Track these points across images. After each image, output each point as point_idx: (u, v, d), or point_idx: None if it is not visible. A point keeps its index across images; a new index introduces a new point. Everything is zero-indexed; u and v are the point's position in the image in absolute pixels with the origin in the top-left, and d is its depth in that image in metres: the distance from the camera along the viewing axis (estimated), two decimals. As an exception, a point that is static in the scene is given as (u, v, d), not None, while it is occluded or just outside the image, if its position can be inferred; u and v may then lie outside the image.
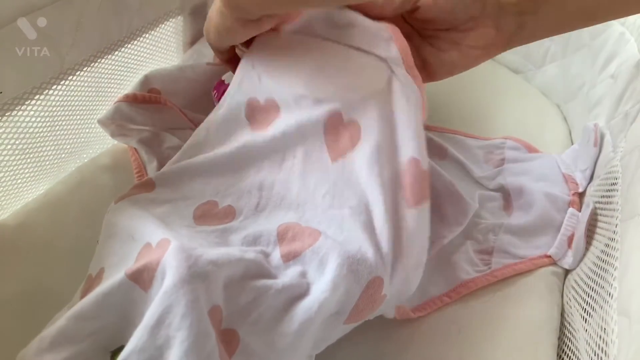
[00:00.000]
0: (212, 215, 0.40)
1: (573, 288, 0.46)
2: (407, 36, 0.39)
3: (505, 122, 0.65)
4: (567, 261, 0.48)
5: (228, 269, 0.33)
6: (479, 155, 0.59)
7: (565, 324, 0.46)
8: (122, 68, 0.50)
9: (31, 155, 0.45)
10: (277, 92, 0.42)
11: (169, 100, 0.51)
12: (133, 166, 0.49)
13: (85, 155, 0.52)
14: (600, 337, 0.37)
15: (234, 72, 0.46)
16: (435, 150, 0.58)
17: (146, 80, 0.50)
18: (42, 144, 0.46)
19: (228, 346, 0.32)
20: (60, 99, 0.44)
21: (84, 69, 0.45)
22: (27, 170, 0.46)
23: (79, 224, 0.46)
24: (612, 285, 0.38)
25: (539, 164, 0.57)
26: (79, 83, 0.45)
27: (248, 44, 0.45)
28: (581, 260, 0.47)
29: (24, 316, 0.39)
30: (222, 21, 0.39)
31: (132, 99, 0.49)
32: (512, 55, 0.74)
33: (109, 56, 0.47)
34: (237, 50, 0.47)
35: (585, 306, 0.42)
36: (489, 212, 0.52)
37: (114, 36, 0.46)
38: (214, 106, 0.46)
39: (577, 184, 0.53)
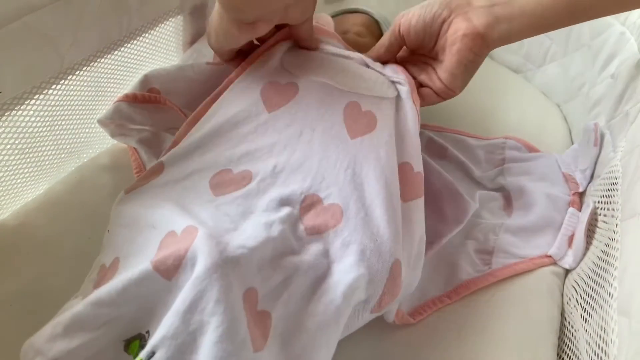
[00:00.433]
0: (227, 181, 0.39)
1: (573, 288, 0.46)
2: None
3: (505, 122, 0.65)
4: (567, 261, 0.48)
5: (258, 251, 0.33)
6: (479, 154, 0.59)
7: (566, 323, 0.45)
8: (122, 68, 0.50)
9: (31, 155, 0.45)
10: (300, 78, 0.44)
11: (169, 100, 0.51)
12: (133, 166, 0.49)
13: (85, 155, 0.52)
14: (600, 336, 0.37)
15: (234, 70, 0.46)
16: (435, 149, 0.58)
17: (146, 80, 0.50)
18: (41, 144, 0.46)
19: (263, 328, 0.32)
20: (59, 99, 0.44)
21: (84, 69, 0.45)
22: (26, 170, 0.46)
23: (79, 224, 0.46)
24: (612, 285, 0.38)
25: (539, 164, 0.57)
26: (78, 83, 0.45)
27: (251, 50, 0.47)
28: (581, 260, 0.47)
29: (24, 316, 0.39)
30: (220, 23, 0.40)
31: (132, 99, 0.49)
32: (512, 55, 0.74)
33: (109, 56, 0.47)
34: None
35: (585, 306, 0.42)
36: (489, 212, 0.52)
37: (113, 36, 0.46)
38: None
39: (577, 184, 0.53)
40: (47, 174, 0.48)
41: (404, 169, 0.42)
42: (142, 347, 0.30)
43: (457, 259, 0.48)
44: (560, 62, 0.68)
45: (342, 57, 0.47)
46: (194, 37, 0.58)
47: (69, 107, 0.46)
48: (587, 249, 0.47)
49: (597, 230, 0.46)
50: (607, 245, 0.42)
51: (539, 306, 0.45)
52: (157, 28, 0.52)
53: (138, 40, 0.50)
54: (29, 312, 0.39)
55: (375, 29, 0.64)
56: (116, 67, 0.49)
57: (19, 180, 0.45)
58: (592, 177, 0.53)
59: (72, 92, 0.45)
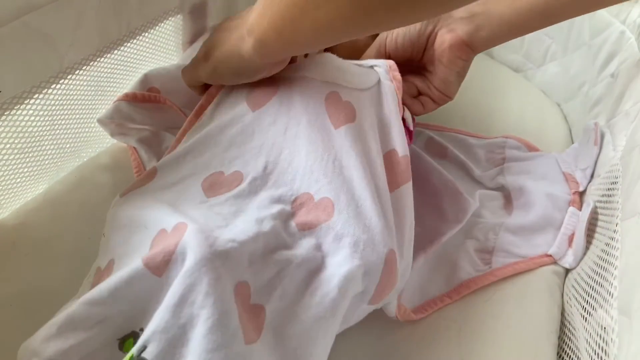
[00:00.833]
0: (220, 182, 0.39)
1: (573, 287, 0.46)
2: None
3: (505, 121, 0.65)
4: (568, 260, 0.48)
5: (249, 245, 0.33)
6: (479, 154, 0.59)
7: (566, 323, 0.45)
8: (122, 67, 0.50)
9: (30, 155, 0.45)
10: (279, 74, 0.44)
11: (169, 100, 0.51)
12: (132, 165, 0.49)
13: (84, 155, 0.52)
14: (600, 336, 0.37)
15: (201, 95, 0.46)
16: (435, 149, 0.58)
17: (145, 79, 0.50)
18: (41, 144, 0.45)
19: (256, 321, 0.32)
20: (59, 98, 0.44)
21: (84, 68, 0.45)
22: (26, 170, 0.45)
23: (79, 223, 0.46)
24: (612, 284, 0.38)
25: (539, 163, 0.57)
26: (78, 82, 0.45)
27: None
28: (581, 259, 0.47)
29: (24, 316, 0.39)
30: (248, 65, 0.40)
31: (132, 98, 0.49)
32: (512, 54, 0.74)
33: (108, 55, 0.47)
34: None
35: (585, 305, 0.42)
36: (489, 211, 0.52)
37: (113, 35, 0.46)
38: None
39: (577, 183, 0.53)
40: (46, 173, 0.48)
41: (389, 157, 0.42)
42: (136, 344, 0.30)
43: (457, 259, 0.48)
44: (560, 62, 0.68)
45: (320, 53, 0.47)
46: (194, 36, 0.57)
47: (69, 107, 0.46)
48: (587, 248, 0.47)
49: (598, 229, 0.46)
50: (608, 244, 0.42)
51: (539, 305, 0.45)
52: (157, 27, 0.52)
53: (137, 39, 0.50)
54: (29, 312, 0.39)
55: None
56: (116, 66, 0.49)
57: (18, 180, 0.45)
58: (592, 176, 0.53)
59: (72, 92, 0.45)
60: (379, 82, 0.45)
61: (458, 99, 0.49)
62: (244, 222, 0.35)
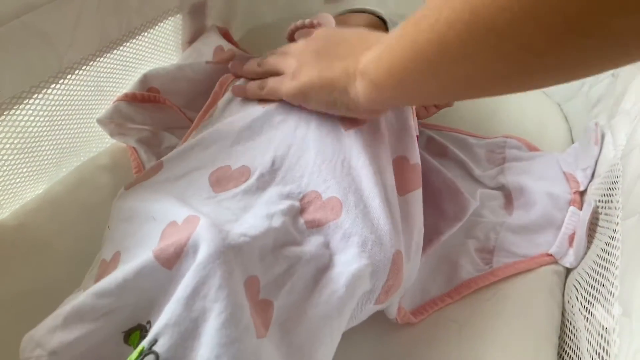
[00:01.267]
0: (227, 177, 0.39)
1: (574, 287, 0.46)
2: None
3: (505, 121, 0.65)
4: (568, 260, 0.48)
5: (260, 240, 0.33)
6: (479, 153, 0.59)
7: (567, 322, 0.45)
8: (121, 67, 0.50)
9: (30, 155, 0.45)
10: None
11: (168, 100, 0.51)
12: (132, 165, 0.49)
13: (84, 155, 0.52)
14: (601, 335, 0.37)
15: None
16: (436, 148, 0.58)
17: (145, 79, 0.50)
18: (40, 144, 0.45)
19: (264, 317, 0.32)
20: (59, 98, 0.44)
21: (83, 68, 0.45)
22: (26, 170, 0.45)
23: (78, 224, 0.46)
24: (613, 284, 0.38)
25: (539, 163, 0.57)
26: (77, 82, 0.45)
27: None
28: (582, 258, 0.47)
29: (24, 316, 0.39)
30: (348, 103, 0.39)
31: (132, 98, 0.49)
32: (512, 54, 0.74)
33: (108, 55, 0.47)
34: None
35: (586, 305, 0.42)
36: (490, 211, 0.52)
37: (112, 35, 0.46)
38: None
39: (578, 183, 0.53)
40: (46, 173, 0.48)
41: (400, 162, 0.42)
42: (143, 337, 0.30)
43: (458, 258, 0.48)
44: (560, 61, 0.68)
45: None
46: (193, 36, 0.57)
47: (68, 107, 0.46)
48: (588, 247, 0.47)
49: (598, 229, 0.46)
50: (608, 244, 0.42)
51: (540, 305, 0.45)
52: (157, 27, 0.52)
53: (137, 39, 0.50)
54: (29, 312, 0.39)
55: (382, 30, 0.64)
56: (115, 66, 0.49)
57: (18, 180, 0.45)
58: (592, 176, 0.53)
59: (71, 92, 0.45)
60: None
61: (458, 98, 0.49)
62: (254, 217, 0.35)
